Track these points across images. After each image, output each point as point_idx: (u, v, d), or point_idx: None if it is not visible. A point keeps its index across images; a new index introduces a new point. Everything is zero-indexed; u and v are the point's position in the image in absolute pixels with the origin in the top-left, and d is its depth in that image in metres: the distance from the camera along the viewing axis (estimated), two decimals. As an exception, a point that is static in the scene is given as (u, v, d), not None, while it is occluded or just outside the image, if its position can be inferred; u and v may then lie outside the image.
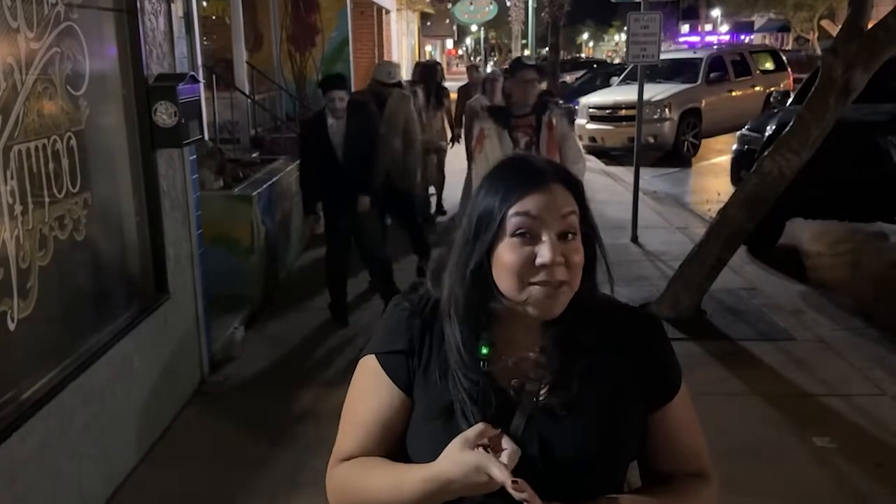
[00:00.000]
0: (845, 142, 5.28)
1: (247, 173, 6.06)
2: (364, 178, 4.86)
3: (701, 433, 1.30)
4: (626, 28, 6.94)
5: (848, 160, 5.82)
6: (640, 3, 7.10)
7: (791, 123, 4.59)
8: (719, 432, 3.49)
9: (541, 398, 1.16)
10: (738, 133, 7.12)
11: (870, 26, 4.44)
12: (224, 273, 4.99)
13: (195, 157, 4.10)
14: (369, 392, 1.23)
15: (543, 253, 1.09)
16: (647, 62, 6.72)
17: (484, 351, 1.16)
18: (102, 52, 3.34)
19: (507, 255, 1.11)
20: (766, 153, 4.72)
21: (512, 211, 1.11)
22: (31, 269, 2.66)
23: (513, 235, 1.11)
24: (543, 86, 4.80)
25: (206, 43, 8.87)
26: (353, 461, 1.24)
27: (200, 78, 6.81)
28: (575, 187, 1.16)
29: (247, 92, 8.32)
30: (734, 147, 7.08)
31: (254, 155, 7.58)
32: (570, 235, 1.12)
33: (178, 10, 3.90)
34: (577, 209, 1.14)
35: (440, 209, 8.19)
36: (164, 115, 3.53)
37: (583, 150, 4.54)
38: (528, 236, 1.10)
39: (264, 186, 5.65)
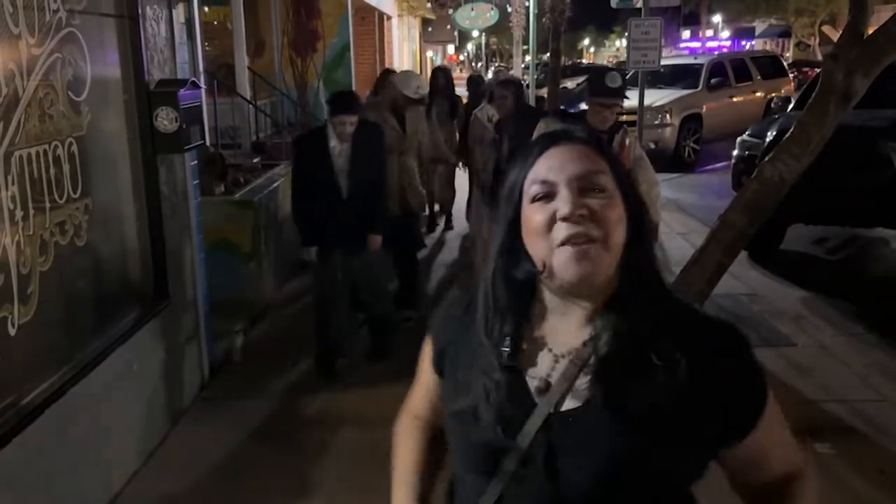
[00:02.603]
0: (846, 147, 5.28)
1: (248, 179, 6.07)
2: (373, 212, 4.17)
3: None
4: (626, 34, 6.95)
5: (848, 166, 5.81)
6: (640, 8, 7.14)
7: (792, 129, 4.59)
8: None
9: (563, 404, 1.04)
10: (738, 139, 7.12)
11: (870, 31, 4.45)
12: (225, 278, 5.00)
13: (196, 162, 4.11)
14: (422, 363, 1.30)
15: (561, 206, 1.02)
16: (648, 68, 6.74)
17: (505, 347, 1.08)
18: (104, 58, 3.35)
19: (530, 220, 1.05)
20: (766, 159, 4.71)
21: (529, 178, 1.07)
22: (32, 274, 2.67)
23: (533, 201, 1.05)
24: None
25: (207, 49, 8.90)
26: (402, 434, 1.36)
27: (202, 84, 6.85)
28: (602, 148, 1.09)
29: (248, 97, 8.33)
30: (735, 153, 7.08)
31: (255, 160, 7.58)
32: (596, 191, 1.03)
33: (179, 16, 3.91)
34: (609, 170, 1.06)
35: (448, 224, 7.94)
36: (165, 120, 3.53)
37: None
38: (548, 198, 1.04)
39: (265, 192, 5.66)
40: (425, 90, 5.14)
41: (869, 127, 5.85)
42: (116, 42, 3.45)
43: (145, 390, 3.49)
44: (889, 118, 5.94)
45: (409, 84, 4.96)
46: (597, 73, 3.69)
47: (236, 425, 3.79)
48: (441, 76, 7.32)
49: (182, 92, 3.57)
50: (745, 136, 7.02)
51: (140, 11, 3.49)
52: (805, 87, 7.23)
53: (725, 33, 52.55)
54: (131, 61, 3.49)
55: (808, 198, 5.40)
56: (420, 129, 5.17)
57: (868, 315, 5.23)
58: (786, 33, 42.05)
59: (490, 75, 14.77)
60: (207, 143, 6.97)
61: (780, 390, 4.06)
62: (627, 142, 3.63)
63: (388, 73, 7.92)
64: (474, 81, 8.18)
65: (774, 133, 6.25)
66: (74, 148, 2.99)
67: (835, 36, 35.39)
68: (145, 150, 3.56)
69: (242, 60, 8.40)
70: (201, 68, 6.86)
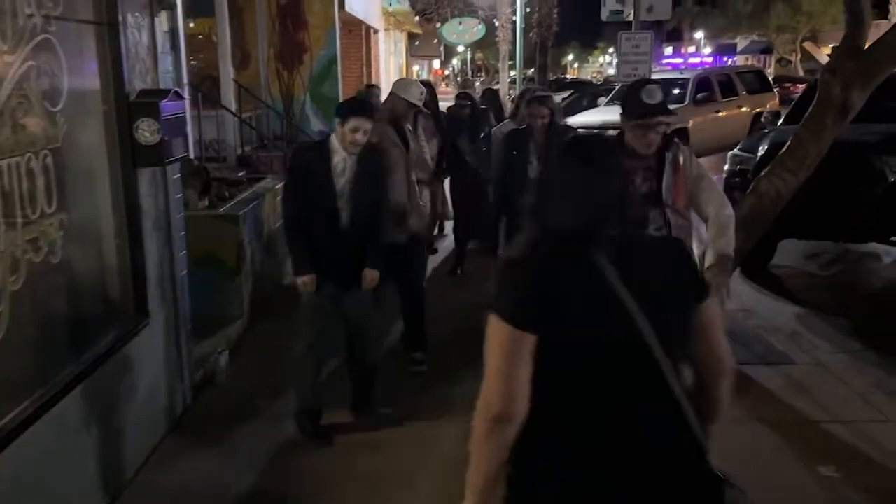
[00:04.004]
0: (839, 162, 5.23)
1: (233, 192, 5.93)
2: (372, 243, 3.68)
3: (724, 339, 1.74)
4: (611, 49, 6.89)
5: (841, 180, 5.76)
6: (630, 22, 7.10)
7: (788, 143, 4.53)
8: (721, 460, 3.37)
9: None
10: (730, 153, 7.06)
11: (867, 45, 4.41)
12: (209, 295, 4.85)
13: (179, 175, 3.96)
14: None
15: None
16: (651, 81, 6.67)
17: None
18: (82, 67, 3.22)
19: None
20: (762, 174, 4.65)
21: None
22: (2, 294, 2.51)
23: None
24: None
25: (193, 62, 8.76)
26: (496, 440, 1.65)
27: (185, 95, 6.71)
28: None
29: (234, 110, 8.20)
30: (726, 167, 7.02)
31: (240, 174, 7.44)
32: None
33: (162, 24, 3.79)
34: None
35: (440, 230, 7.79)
36: (146, 132, 3.40)
37: None
38: None
39: (250, 206, 5.52)
40: (425, 97, 4.65)
41: (862, 141, 5.81)
42: (95, 50, 3.32)
43: (123, 414, 3.32)
44: (881, 133, 5.90)
45: (410, 90, 4.52)
46: (631, 91, 2.91)
47: (218, 452, 3.63)
48: (427, 91, 7.01)
49: (164, 102, 3.43)
50: (736, 151, 6.96)
51: (121, 18, 3.36)
52: (796, 101, 7.19)
53: (707, 49, 53.05)
54: (111, 70, 3.36)
55: (801, 213, 5.34)
56: (420, 146, 4.72)
57: (864, 331, 5.16)
58: (767, 50, 42.50)
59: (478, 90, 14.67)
60: (192, 156, 6.85)
61: (780, 410, 3.98)
62: (682, 159, 2.97)
63: (371, 87, 7.79)
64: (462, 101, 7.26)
65: (766, 148, 6.20)
66: (49, 160, 2.85)
67: (816, 52, 35.84)
68: (125, 162, 3.42)
69: (228, 72, 8.27)
70: (186, 80, 6.72)
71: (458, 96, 7.27)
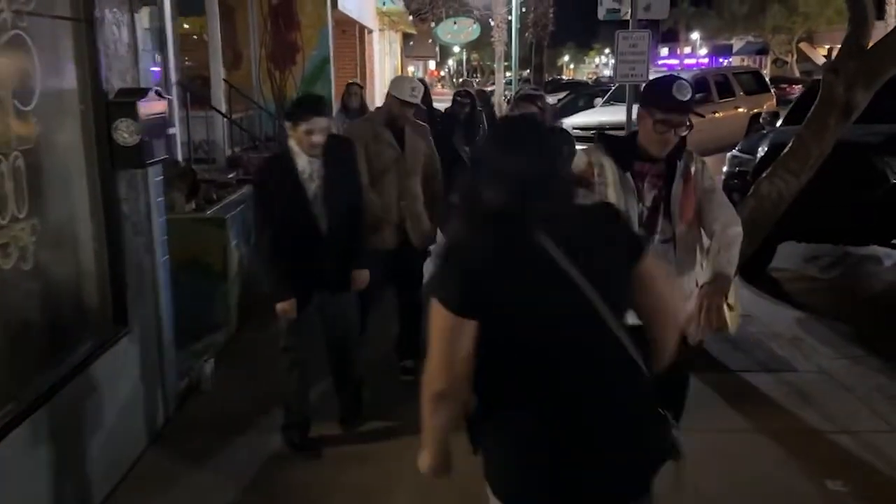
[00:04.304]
0: (840, 163, 5.12)
1: (221, 195, 5.78)
2: (356, 242, 3.53)
3: (670, 290, 1.91)
4: (606, 51, 6.78)
5: (842, 182, 5.65)
6: (627, 21, 6.97)
7: (790, 144, 4.41)
8: (724, 473, 3.27)
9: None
10: (728, 154, 6.95)
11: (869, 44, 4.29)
12: (195, 300, 4.72)
13: (161, 178, 3.82)
14: None
15: None
16: (635, 81, 6.56)
17: None
18: (56, 65, 3.08)
19: None
20: (763, 175, 4.53)
21: None
22: (-34, 304, 2.38)
23: None
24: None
25: (188, 62, 8.61)
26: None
27: (172, 94, 6.58)
28: None
29: (224, 110, 8.06)
30: (725, 169, 6.90)
31: (230, 175, 7.30)
32: None
33: (143, 21, 3.65)
34: None
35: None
36: (125, 132, 3.26)
37: None
38: None
39: (239, 209, 5.38)
40: (420, 95, 4.33)
41: (863, 142, 5.70)
42: (71, 47, 3.17)
43: (101, 426, 3.18)
44: (883, 133, 5.79)
45: (403, 87, 4.24)
46: (659, 83, 2.67)
47: (202, 465, 3.49)
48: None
49: (143, 102, 3.29)
50: (735, 153, 6.85)
51: (98, 15, 3.22)
52: (795, 101, 7.08)
53: (703, 50, 53.08)
54: (88, 69, 3.22)
55: (801, 215, 5.23)
56: (423, 145, 4.33)
57: (866, 337, 5.04)
58: (763, 50, 42.53)
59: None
60: (180, 157, 6.72)
61: (784, 420, 3.85)
62: (693, 170, 2.69)
63: (354, 87, 7.49)
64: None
65: (766, 149, 6.09)
66: (21, 162, 2.71)
67: (812, 53, 35.87)
68: (103, 164, 3.28)
69: (218, 72, 8.14)
70: (174, 79, 6.60)
71: (457, 93, 7.04)
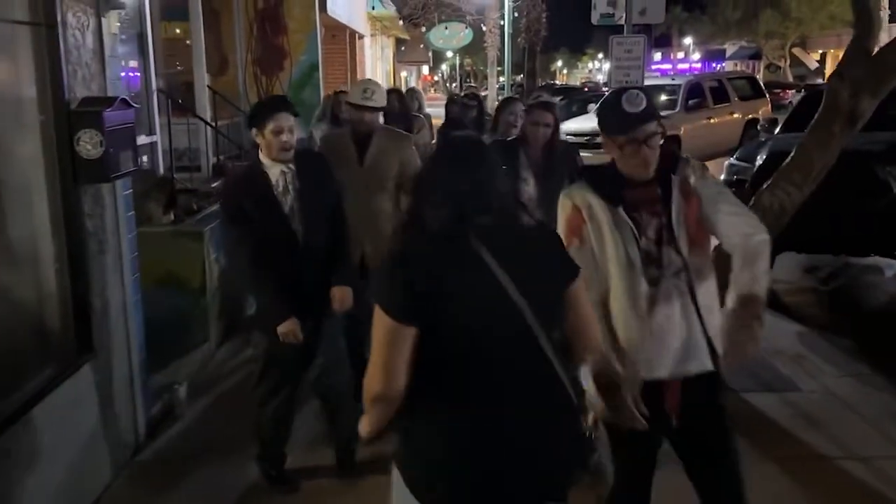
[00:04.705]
0: (841, 171, 4.95)
1: (202, 205, 5.57)
2: (338, 258, 3.20)
3: (593, 315, 2.02)
4: (600, 55, 6.59)
5: (843, 191, 5.48)
6: (621, 26, 6.80)
7: (792, 154, 4.23)
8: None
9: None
10: (726, 162, 6.79)
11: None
12: (171, 318, 4.51)
13: (130, 191, 3.61)
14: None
15: None
16: (630, 87, 6.37)
17: None
18: (14, 72, 2.89)
19: None
20: (765, 187, 4.34)
21: None
22: None
23: None
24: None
25: (176, 68, 8.39)
26: None
27: (153, 102, 6.37)
28: None
29: (208, 117, 7.84)
30: (722, 177, 6.73)
31: (214, 184, 7.09)
32: None
33: (110, 25, 3.44)
34: None
35: None
36: (88, 144, 3.05)
37: None
38: None
39: (219, 220, 5.15)
40: (380, 98, 3.86)
41: (865, 150, 5.53)
42: (31, 54, 2.97)
43: (63, 459, 2.96)
44: (886, 142, 5.63)
45: (353, 90, 3.82)
46: (606, 103, 2.32)
47: (171, 497, 3.27)
48: (394, 98, 6.05)
49: (108, 112, 3.08)
50: (732, 161, 6.69)
51: (60, 19, 3.02)
52: (794, 107, 6.91)
53: (696, 55, 53.14)
54: (49, 76, 3.01)
55: (801, 224, 5.05)
56: (397, 157, 3.87)
57: (870, 352, 4.86)
58: (756, 55, 42.54)
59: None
60: (161, 166, 6.50)
61: (791, 445, 3.65)
62: (692, 180, 2.28)
63: (339, 94, 6.92)
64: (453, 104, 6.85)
65: (765, 157, 5.93)
66: (-30, 178, 2.50)
67: (805, 58, 35.87)
68: (65, 178, 3.07)
69: (202, 78, 7.91)
70: (154, 87, 6.38)
71: (465, 96, 6.74)
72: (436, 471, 1.78)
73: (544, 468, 1.78)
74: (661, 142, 2.21)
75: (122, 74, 5.81)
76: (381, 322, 1.70)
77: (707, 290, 2.25)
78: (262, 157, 3.06)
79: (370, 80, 4.24)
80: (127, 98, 3.39)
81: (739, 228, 2.23)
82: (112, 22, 3.50)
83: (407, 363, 1.70)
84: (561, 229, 2.27)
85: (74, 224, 3.12)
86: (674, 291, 2.21)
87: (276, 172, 3.05)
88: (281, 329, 2.99)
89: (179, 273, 4.67)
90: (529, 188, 3.71)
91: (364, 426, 1.85)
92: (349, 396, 3.22)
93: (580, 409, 1.87)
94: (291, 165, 3.06)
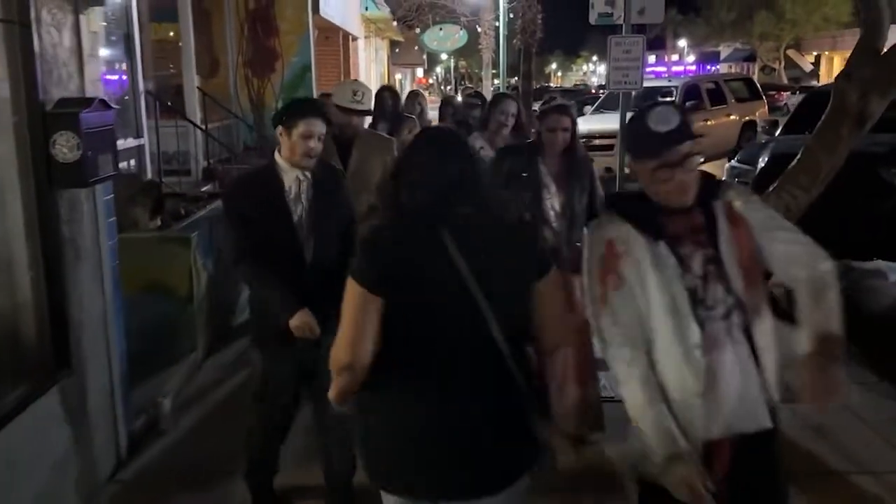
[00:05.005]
0: (844, 174, 4.84)
1: (190, 210, 5.42)
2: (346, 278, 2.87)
3: (563, 311, 1.97)
4: (594, 58, 6.44)
5: (847, 193, 5.36)
6: (617, 26, 6.68)
7: (798, 156, 4.11)
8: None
9: None
10: (727, 165, 6.67)
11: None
12: (157, 327, 4.36)
13: (111, 196, 3.45)
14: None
15: None
16: (629, 89, 6.24)
17: None
18: (-16, 72, 2.72)
19: None
20: (770, 190, 4.22)
21: None
22: None
23: None
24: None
25: (162, 70, 8.23)
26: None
27: (141, 104, 6.22)
28: None
29: (198, 120, 7.69)
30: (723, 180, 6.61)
31: (204, 188, 6.95)
32: None
33: (90, 23, 3.29)
34: None
35: None
36: (65, 147, 2.90)
37: None
38: None
39: (208, 226, 5.01)
40: (367, 101, 3.69)
41: (869, 152, 5.42)
42: (4, 52, 2.82)
43: (37, 481, 2.81)
44: (889, 143, 5.52)
45: (343, 91, 3.61)
46: (632, 124, 1.98)
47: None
48: (388, 96, 5.95)
49: (86, 114, 2.93)
50: (733, 163, 6.57)
51: (34, 16, 2.87)
52: (795, 109, 6.80)
53: (691, 58, 53.16)
54: (22, 76, 2.86)
55: (804, 228, 4.93)
56: (380, 162, 3.64)
57: (875, 359, 4.73)
58: (751, 57, 42.53)
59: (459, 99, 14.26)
60: (149, 169, 6.35)
61: (799, 460, 3.51)
62: (738, 205, 1.97)
63: (327, 97, 6.65)
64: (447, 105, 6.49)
65: (767, 159, 5.80)
66: (-65, 183, 2.35)
67: (800, 60, 35.87)
68: (40, 183, 2.92)
69: (192, 80, 7.77)
70: (142, 88, 6.23)
71: (468, 95, 6.38)
72: (381, 450, 1.88)
73: (483, 458, 1.82)
74: (701, 161, 1.93)
75: (109, 76, 5.68)
76: (351, 292, 1.80)
77: (764, 330, 1.95)
78: (280, 159, 2.83)
79: (358, 81, 4.00)
80: (106, 99, 3.24)
81: (801, 259, 1.94)
82: (92, 20, 3.35)
83: (373, 336, 1.78)
84: (592, 269, 1.98)
85: (50, 231, 2.96)
86: (725, 335, 1.90)
87: (291, 177, 2.81)
88: (294, 323, 2.71)
89: (166, 280, 4.52)
90: (552, 198, 3.48)
91: (331, 393, 1.89)
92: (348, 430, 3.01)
93: (532, 404, 1.85)
94: (308, 174, 2.83)
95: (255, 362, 3.02)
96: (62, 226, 3.02)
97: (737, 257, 1.91)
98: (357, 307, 1.79)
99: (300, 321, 2.70)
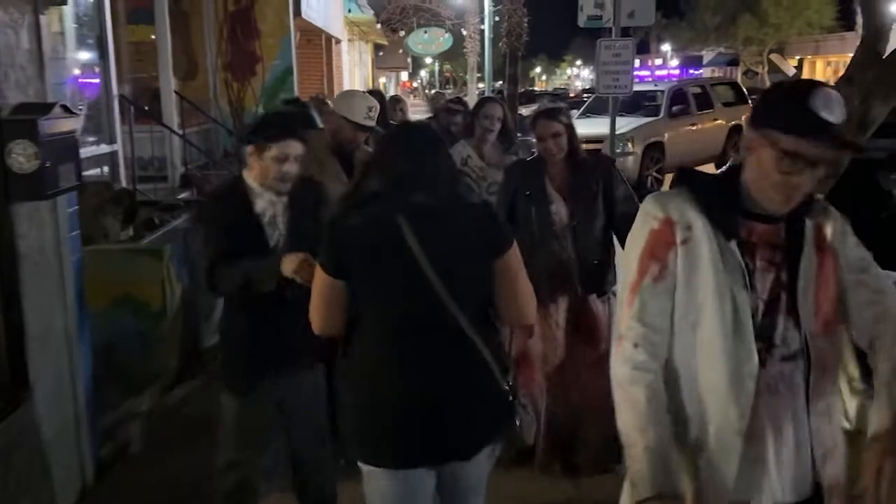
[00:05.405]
0: (841, 180, 4.71)
1: (165, 219, 5.19)
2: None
3: (525, 291, 2.07)
4: (578, 62, 6.27)
5: (844, 200, 5.23)
6: (602, 30, 6.55)
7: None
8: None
9: None
10: (718, 172, 6.51)
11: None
12: (128, 342, 4.14)
13: (76, 208, 3.24)
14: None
15: None
16: (619, 93, 6.09)
17: None
18: (-70, 75, 2.51)
19: None
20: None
21: None
22: None
23: None
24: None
25: (152, 73, 7.98)
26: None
27: (114, 108, 5.99)
28: None
29: (175, 124, 7.46)
30: (714, 186, 6.46)
31: (181, 196, 6.72)
32: None
33: (51, 23, 3.08)
34: None
35: None
36: (21, 157, 2.69)
37: None
38: None
39: (182, 235, 4.79)
40: (377, 114, 3.44)
41: (866, 159, 5.29)
42: (-46, 54, 2.61)
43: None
44: (887, 149, 5.39)
45: (356, 106, 3.30)
46: (785, 90, 1.61)
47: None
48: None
49: (45, 120, 2.72)
50: (725, 169, 6.42)
51: (-12, 15, 2.66)
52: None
53: (674, 62, 53.35)
54: (-26, 80, 2.65)
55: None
56: None
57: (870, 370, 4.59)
58: (734, 62, 42.69)
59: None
60: (123, 176, 6.12)
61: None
62: (830, 233, 1.62)
63: (316, 102, 5.90)
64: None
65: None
66: None
67: (783, 64, 36.02)
68: (-6, 195, 2.71)
69: (169, 84, 7.53)
70: (115, 92, 6.00)
71: (450, 101, 5.83)
72: (357, 425, 2.02)
73: (449, 424, 1.94)
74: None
75: (81, 80, 5.45)
76: (318, 276, 1.99)
77: (826, 390, 1.59)
78: (250, 179, 2.51)
79: (368, 94, 3.64)
80: (70, 104, 3.03)
81: (889, 323, 1.56)
82: (54, 20, 3.14)
83: (339, 309, 1.99)
84: (633, 246, 1.64)
85: (5, 246, 2.75)
86: (782, 383, 1.55)
87: (264, 200, 2.51)
88: (289, 268, 2.31)
89: (138, 294, 4.29)
90: (557, 212, 3.25)
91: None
92: (328, 465, 2.79)
93: (499, 376, 1.99)
94: (282, 196, 2.53)
95: (224, 406, 2.67)
96: (18, 241, 2.81)
97: (815, 292, 1.57)
98: (321, 289, 1.98)
99: (293, 263, 2.32)
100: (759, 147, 1.53)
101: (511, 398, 2.00)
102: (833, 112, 1.49)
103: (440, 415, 1.93)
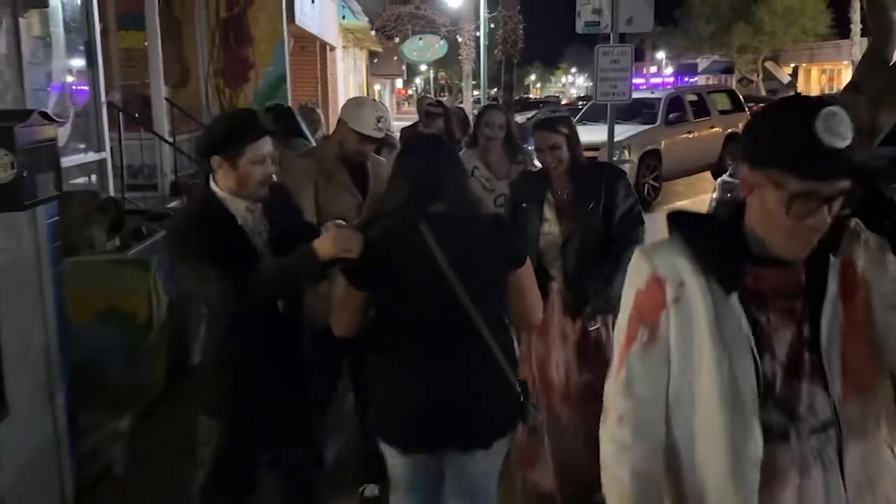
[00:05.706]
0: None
1: (153, 228, 5.07)
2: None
3: (535, 297, 2.29)
4: (573, 70, 6.17)
5: (846, 209, 5.15)
6: (598, 37, 6.46)
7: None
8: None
9: None
10: (719, 179, 6.44)
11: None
12: (113, 355, 4.02)
13: (56, 219, 3.11)
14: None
15: None
16: (617, 100, 5.99)
17: None
18: None
19: None
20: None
21: None
22: None
23: None
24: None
25: (143, 80, 7.86)
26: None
27: (102, 115, 5.87)
28: None
29: (166, 132, 7.34)
30: (714, 196, 6.38)
31: (170, 205, 6.59)
32: None
33: (30, 27, 2.96)
34: None
35: None
36: (-3, 166, 2.56)
37: None
38: None
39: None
40: (387, 126, 3.20)
41: (868, 167, 5.21)
42: (-74, 58, 2.49)
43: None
44: (889, 157, 5.31)
45: (366, 118, 3.04)
46: (782, 116, 1.32)
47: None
48: None
49: (22, 128, 2.60)
50: (726, 178, 6.35)
51: (-37, 18, 2.54)
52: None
53: (669, 70, 53.48)
54: (-52, 85, 2.53)
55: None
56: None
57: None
58: (728, 69, 42.77)
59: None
60: (111, 185, 6.00)
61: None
62: (860, 264, 1.39)
63: (305, 109, 5.67)
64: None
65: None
66: None
67: (777, 72, 36.11)
68: (-32, 206, 2.58)
69: (159, 90, 7.42)
70: (103, 98, 5.88)
71: (428, 104, 5.38)
72: (381, 412, 2.20)
73: (467, 418, 2.10)
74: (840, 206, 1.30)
75: (70, 87, 5.33)
76: (340, 284, 2.13)
77: (867, 459, 1.34)
78: (220, 190, 2.27)
79: (379, 104, 3.39)
80: (51, 112, 2.91)
81: None
82: (34, 23, 3.02)
83: (359, 313, 2.15)
84: (624, 309, 1.44)
85: (-20, 260, 2.63)
86: (813, 460, 1.32)
87: (240, 208, 2.29)
88: (327, 250, 2.11)
89: (123, 306, 4.16)
90: (549, 231, 3.04)
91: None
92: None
93: (512, 372, 2.15)
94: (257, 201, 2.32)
95: (209, 436, 2.47)
96: (-5, 253, 2.69)
97: (842, 350, 1.32)
98: (349, 297, 2.12)
99: (329, 242, 2.12)
100: (760, 187, 1.29)
101: (522, 398, 2.16)
102: (842, 134, 1.24)
103: (456, 409, 2.08)
